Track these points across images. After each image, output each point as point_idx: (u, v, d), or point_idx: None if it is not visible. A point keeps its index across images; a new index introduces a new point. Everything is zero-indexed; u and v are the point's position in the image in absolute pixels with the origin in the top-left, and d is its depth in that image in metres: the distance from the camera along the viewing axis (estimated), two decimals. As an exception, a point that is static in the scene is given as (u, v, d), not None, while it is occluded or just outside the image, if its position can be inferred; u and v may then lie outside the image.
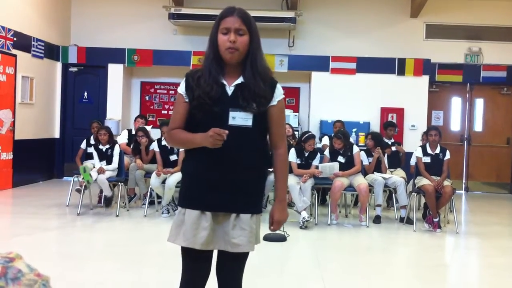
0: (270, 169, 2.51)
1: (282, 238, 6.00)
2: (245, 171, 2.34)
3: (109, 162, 7.44)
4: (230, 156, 2.31)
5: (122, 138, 8.46)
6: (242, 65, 2.37)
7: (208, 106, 2.31)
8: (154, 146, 7.52)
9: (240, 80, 2.37)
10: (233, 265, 2.42)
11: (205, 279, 2.44)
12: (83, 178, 7.10)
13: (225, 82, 2.37)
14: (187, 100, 2.39)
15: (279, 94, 2.42)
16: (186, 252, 2.38)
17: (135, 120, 8.75)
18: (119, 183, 7.41)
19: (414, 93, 10.68)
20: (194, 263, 2.40)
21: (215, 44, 2.35)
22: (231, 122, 2.31)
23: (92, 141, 8.04)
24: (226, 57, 2.33)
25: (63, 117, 11.14)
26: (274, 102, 2.39)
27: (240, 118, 2.32)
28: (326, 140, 8.78)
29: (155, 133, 8.51)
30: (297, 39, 11.24)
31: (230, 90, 2.36)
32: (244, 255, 2.39)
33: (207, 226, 2.31)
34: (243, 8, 2.38)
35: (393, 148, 8.26)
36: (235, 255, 2.34)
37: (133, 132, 8.53)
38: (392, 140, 8.50)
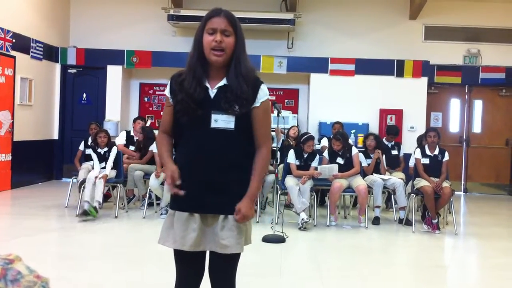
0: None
1: (281, 239, 6.00)
2: (232, 172, 2.34)
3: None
4: (215, 158, 2.32)
5: (120, 139, 8.46)
6: (226, 67, 2.37)
7: (192, 110, 2.32)
8: (153, 148, 7.53)
9: (223, 82, 2.36)
10: (224, 266, 2.42)
11: (199, 280, 2.45)
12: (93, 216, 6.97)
13: (207, 85, 2.37)
14: (171, 101, 2.41)
15: (263, 95, 2.40)
16: (177, 254, 2.40)
17: (134, 122, 8.74)
18: (118, 185, 7.40)
19: (413, 95, 10.69)
20: (185, 264, 2.41)
21: (200, 45, 2.35)
22: (213, 125, 2.32)
23: (89, 143, 8.03)
24: (211, 59, 2.33)
25: (62, 118, 11.13)
26: (257, 103, 2.38)
27: (222, 121, 2.32)
28: (325, 142, 8.79)
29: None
30: (296, 40, 11.24)
31: (212, 92, 2.36)
32: (235, 256, 2.39)
33: (195, 228, 2.32)
34: (229, 11, 2.39)
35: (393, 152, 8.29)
36: (226, 256, 2.34)
37: (132, 134, 8.55)
38: (393, 143, 8.50)
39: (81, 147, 8.09)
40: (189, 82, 2.34)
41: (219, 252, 2.33)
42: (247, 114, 2.36)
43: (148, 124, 8.69)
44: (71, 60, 10.99)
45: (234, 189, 2.35)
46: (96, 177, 7.10)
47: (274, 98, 10.90)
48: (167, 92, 2.45)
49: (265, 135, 2.43)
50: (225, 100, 2.32)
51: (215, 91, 2.36)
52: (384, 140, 8.44)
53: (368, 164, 7.72)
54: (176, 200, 2.40)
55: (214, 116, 2.32)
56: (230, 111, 2.31)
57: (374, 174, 7.58)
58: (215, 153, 2.32)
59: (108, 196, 8.16)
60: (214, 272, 2.43)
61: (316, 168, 7.15)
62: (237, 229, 2.33)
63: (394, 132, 8.59)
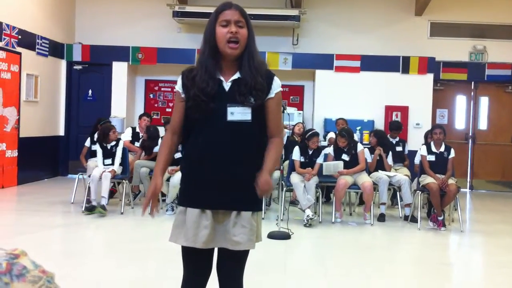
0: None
1: (286, 236, 6.00)
2: (244, 167, 2.32)
3: (114, 159, 7.44)
4: (228, 153, 2.30)
5: (126, 136, 8.48)
6: (239, 60, 2.35)
7: (204, 104, 2.29)
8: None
9: (237, 75, 2.35)
10: (233, 263, 2.40)
11: (207, 277, 2.44)
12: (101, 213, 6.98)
13: (222, 78, 2.35)
14: (183, 96, 2.39)
15: (276, 86, 2.41)
16: (187, 251, 2.37)
17: (140, 118, 8.74)
18: (124, 181, 7.42)
19: (419, 91, 10.65)
20: (194, 262, 2.39)
21: (212, 39, 2.33)
22: (229, 118, 2.30)
23: (95, 138, 8.02)
24: (226, 51, 2.31)
25: (67, 114, 11.16)
26: (271, 94, 2.38)
27: (239, 113, 2.31)
28: (332, 134, 8.79)
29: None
30: (301, 37, 11.22)
31: (227, 86, 2.35)
32: (244, 254, 2.37)
33: (207, 225, 2.30)
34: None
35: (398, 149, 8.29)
36: (235, 253, 2.32)
37: (137, 130, 8.56)
38: (397, 139, 8.48)
39: (87, 143, 8.10)
40: (201, 76, 2.32)
41: (231, 248, 2.31)
42: (262, 105, 2.35)
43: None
44: (77, 56, 11.02)
45: (247, 185, 2.31)
46: (102, 173, 7.11)
47: (279, 94, 10.87)
48: (178, 87, 2.42)
49: (278, 126, 2.44)
50: (240, 93, 2.31)
51: (229, 84, 2.35)
52: (388, 136, 8.41)
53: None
54: (187, 197, 2.38)
55: (230, 109, 2.30)
56: (246, 103, 2.30)
57: (379, 171, 7.56)
58: (230, 147, 2.30)
59: (114, 192, 8.18)
60: (223, 270, 2.41)
61: (321, 165, 7.15)
62: (249, 225, 2.31)
63: (395, 127, 8.54)
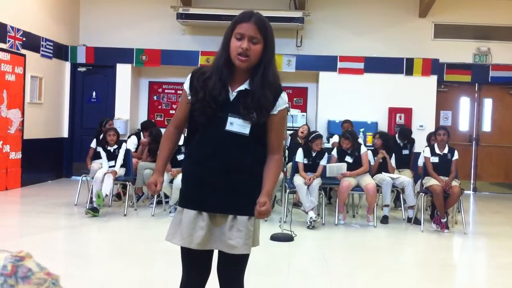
0: None
1: (289, 238, 6.00)
2: (242, 174, 2.33)
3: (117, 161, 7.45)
4: (226, 158, 2.31)
5: (131, 146, 8.31)
6: (251, 71, 2.33)
7: (211, 110, 2.29)
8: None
9: (244, 86, 2.33)
10: (232, 266, 2.41)
11: (205, 278, 2.45)
12: (98, 204, 6.98)
13: (229, 88, 2.34)
14: (189, 97, 2.38)
15: (282, 103, 2.38)
16: (185, 252, 2.39)
17: (147, 130, 8.49)
18: (127, 183, 7.43)
19: (422, 93, 10.64)
20: (192, 262, 2.41)
21: (227, 47, 2.31)
22: (228, 127, 2.30)
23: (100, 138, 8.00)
24: (235, 62, 2.29)
25: (71, 116, 11.19)
26: (275, 111, 2.36)
27: (238, 125, 2.30)
28: (336, 138, 8.77)
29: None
30: (305, 39, 11.22)
31: (232, 95, 2.34)
32: (244, 257, 2.37)
33: (203, 226, 2.31)
34: (261, 14, 2.34)
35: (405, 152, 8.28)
36: (234, 257, 2.33)
37: (142, 136, 8.50)
38: (405, 141, 8.43)
39: (93, 144, 8.07)
40: (215, 82, 2.30)
41: (226, 252, 2.33)
42: (263, 122, 2.34)
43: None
44: (81, 58, 11.05)
45: (244, 191, 2.34)
46: (104, 174, 7.13)
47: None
48: (186, 87, 2.40)
49: (278, 143, 2.43)
50: (244, 106, 2.30)
51: (234, 94, 2.33)
52: (396, 138, 8.38)
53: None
54: (185, 198, 2.39)
55: (230, 119, 2.30)
56: (247, 118, 2.30)
57: (383, 172, 7.55)
58: (227, 155, 2.31)
59: (120, 196, 8.16)
60: (223, 272, 2.42)
61: (324, 167, 7.15)
62: (245, 230, 2.31)
63: (404, 135, 8.47)
